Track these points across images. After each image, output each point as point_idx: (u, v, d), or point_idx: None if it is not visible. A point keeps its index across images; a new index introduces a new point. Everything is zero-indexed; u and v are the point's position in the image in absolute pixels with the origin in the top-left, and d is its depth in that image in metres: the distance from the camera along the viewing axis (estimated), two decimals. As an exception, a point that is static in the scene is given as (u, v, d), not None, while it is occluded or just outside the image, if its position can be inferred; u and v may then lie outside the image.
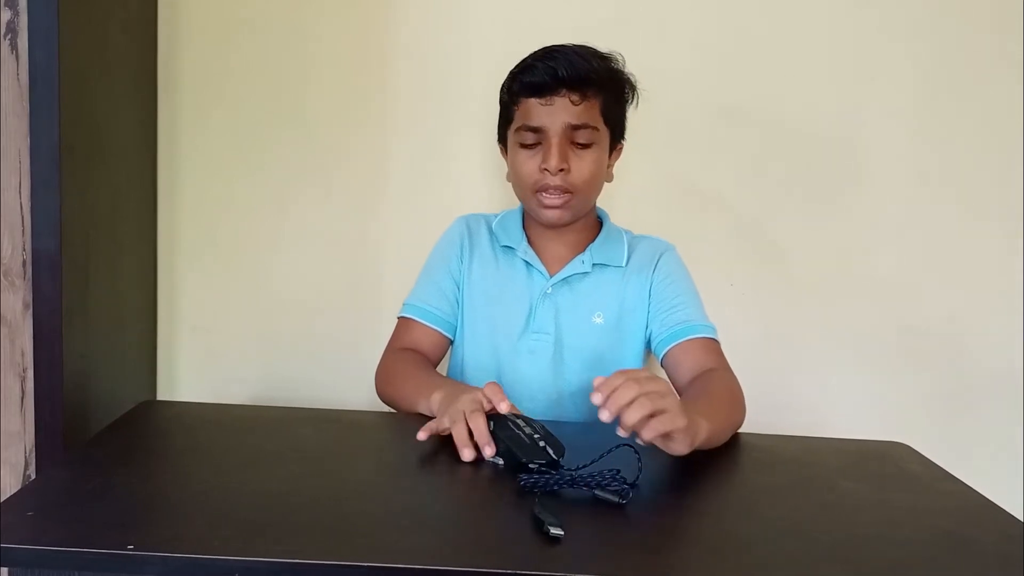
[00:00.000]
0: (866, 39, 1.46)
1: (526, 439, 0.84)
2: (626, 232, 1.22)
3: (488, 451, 0.85)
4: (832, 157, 1.48)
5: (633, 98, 1.16)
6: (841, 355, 1.53)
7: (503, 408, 0.88)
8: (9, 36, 1.07)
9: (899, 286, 1.51)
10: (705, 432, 0.88)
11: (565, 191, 1.10)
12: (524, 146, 1.11)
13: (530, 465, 0.82)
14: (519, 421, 0.87)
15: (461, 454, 0.85)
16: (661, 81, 1.30)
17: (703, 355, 1.09)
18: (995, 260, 1.50)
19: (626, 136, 1.18)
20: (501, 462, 0.85)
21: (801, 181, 1.49)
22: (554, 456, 0.83)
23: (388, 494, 0.80)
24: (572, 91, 1.07)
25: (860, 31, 1.46)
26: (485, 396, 0.91)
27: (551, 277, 1.16)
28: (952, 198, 1.49)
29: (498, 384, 0.92)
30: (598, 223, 1.22)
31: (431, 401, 1.00)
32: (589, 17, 1.41)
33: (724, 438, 0.97)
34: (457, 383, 1.07)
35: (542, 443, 0.84)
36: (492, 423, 0.88)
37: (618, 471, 0.79)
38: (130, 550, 0.63)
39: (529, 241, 1.19)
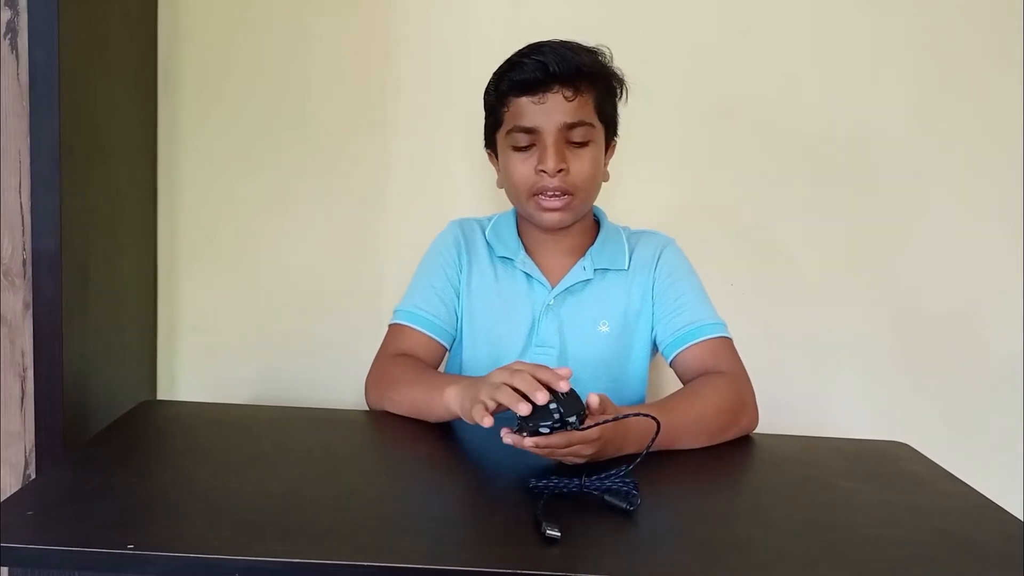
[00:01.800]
0: (866, 39, 1.46)
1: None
2: (624, 229, 1.19)
3: (541, 397, 0.78)
4: (832, 157, 1.48)
5: (622, 93, 1.12)
6: (841, 355, 1.53)
7: (562, 387, 0.80)
8: (9, 36, 1.07)
9: (899, 286, 1.51)
10: (630, 448, 0.88)
11: (565, 192, 1.05)
12: (517, 149, 1.06)
13: (540, 429, 0.79)
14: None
15: (517, 409, 0.79)
16: (661, 81, 1.29)
17: (711, 358, 1.06)
18: (995, 260, 1.50)
19: (625, 135, 1.16)
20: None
21: (801, 181, 1.49)
22: (566, 418, 0.79)
23: (388, 494, 0.80)
24: (565, 87, 1.02)
25: (860, 31, 1.45)
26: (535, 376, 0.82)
27: (552, 288, 1.12)
28: (952, 198, 1.49)
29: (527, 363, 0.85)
30: (595, 224, 1.19)
31: (446, 395, 0.95)
32: (589, 17, 1.41)
33: (698, 441, 0.96)
34: (471, 377, 0.98)
35: (552, 405, 0.79)
36: None
37: (630, 479, 0.79)
38: (130, 550, 0.63)
39: (526, 249, 1.15)
